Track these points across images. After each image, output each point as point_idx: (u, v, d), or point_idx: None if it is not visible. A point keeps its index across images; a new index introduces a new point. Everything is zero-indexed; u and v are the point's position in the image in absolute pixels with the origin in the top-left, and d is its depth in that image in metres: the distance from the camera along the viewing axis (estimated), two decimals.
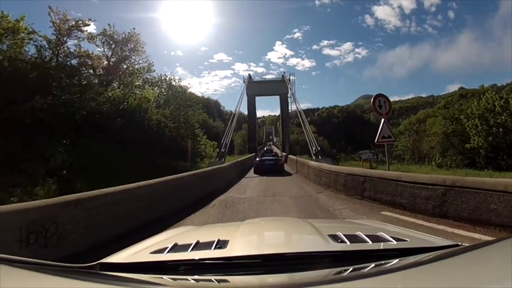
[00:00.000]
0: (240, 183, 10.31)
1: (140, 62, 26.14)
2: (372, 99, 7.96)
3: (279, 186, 9.55)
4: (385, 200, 5.90)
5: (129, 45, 25.53)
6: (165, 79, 26.16)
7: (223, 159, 13.50)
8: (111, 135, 13.22)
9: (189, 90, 27.26)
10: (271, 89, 33.40)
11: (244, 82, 31.74)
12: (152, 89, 24.12)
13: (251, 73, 35.11)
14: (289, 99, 32.81)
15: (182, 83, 27.21)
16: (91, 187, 4.28)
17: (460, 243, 0.93)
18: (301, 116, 19.42)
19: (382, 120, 7.73)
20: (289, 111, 32.66)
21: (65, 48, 14.67)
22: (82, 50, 16.35)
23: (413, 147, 23.18)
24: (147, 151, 14.96)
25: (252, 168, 14.41)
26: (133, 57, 26.10)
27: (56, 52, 13.86)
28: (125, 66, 25.48)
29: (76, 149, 10.12)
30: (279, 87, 32.97)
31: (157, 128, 15.95)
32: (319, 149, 14.13)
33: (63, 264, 0.80)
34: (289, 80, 32.03)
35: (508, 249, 0.73)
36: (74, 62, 15.10)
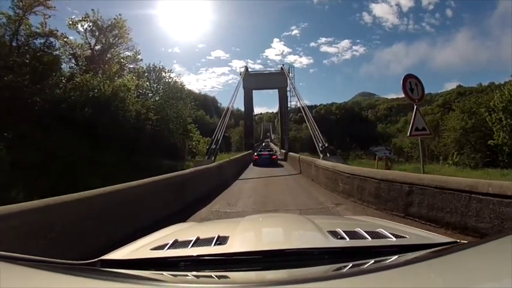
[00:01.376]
0: (232, 188, 8.09)
1: (127, 52, 23.83)
2: (401, 81, 6.19)
3: (282, 192, 7.32)
4: (448, 222, 3.78)
5: (114, 31, 23.16)
6: (154, 68, 23.73)
7: (213, 158, 11.25)
8: (79, 128, 10.93)
9: (181, 81, 24.74)
10: (269, 82, 31.02)
11: (240, 74, 29.34)
12: (138, 80, 21.75)
13: (248, 69, 32.45)
14: (288, 93, 30.55)
15: (179, 80, 24.83)
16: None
17: (459, 241, 0.92)
18: (303, 109, 17.00)
19: (415, 107, 6.05)
20: (289, 106, 30.41)
21: (27, 27, 12.28)
22: (48, 29, 13.82)
23: (424, 144, 20.97)
24: (125, 148, 12.67)
25: (248, 168, 13.30)
26: (119, 46, 23.82)
27: (15, 30, 11.50)
28: (109, 56, 23.14)
29: (22, 144, 7.79)
30: (277, 80, 30.63)
31: (137, 121, 13.59)
32: (326, 145, 11.88)
33: (64, 261, 0.78)
34: (289, 72, 29.71)
35: (507, 246, 0.71)
36: (39, 42, 12.74)
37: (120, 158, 10.86)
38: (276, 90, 31.99)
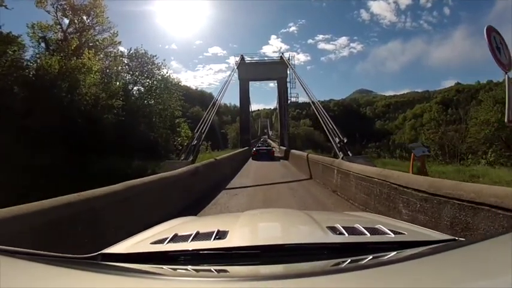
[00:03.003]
0: (211, 208, 4.92)
1: (105, 34, 20.35)
2: (485, 34, 4.26)
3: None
4: None
5: (92, 13, 19.70)
6: (135, 54, 20.27)
7: (191, 158, 8.00)
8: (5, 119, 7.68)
9: (170, 73, 21.27)
10: (267, 73, 27.57)
11: (236, 63, 25.92)
12: (116, 66, 18.34)
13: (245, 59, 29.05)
14: (288, 84, 27.20)
15: (165, 68, 21.29)
16: None
17: (456, 238, 0.91)
18: (309, 96, 13.60)
19: (506, 78, 4.18)
20: (289, 98, 27.05)
21: None
22: None
23: (446, 141, 17.95)
24: (79, 145, 9.40)
25: (243, 169, 11.42)
26: (96, 28, 20.34)
27: None
28: (84, 40, 19.68)
29: None
30: (276, 70, 27.25)
31: (93, 110, 10.27)
32: (345, 141, 8.67)
33: (64, 255, 0.78)
34: (289, 60, 26.34)
35: (505, 245, 0.70)
36: None
37: (58, 159, 7.65)
38: (275, 88, 28.74)
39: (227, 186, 7.40)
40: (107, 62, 19.01)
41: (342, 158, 7.76)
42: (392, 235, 0.88)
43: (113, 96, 11.83)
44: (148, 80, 19.80)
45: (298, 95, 26.75)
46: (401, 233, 0.92)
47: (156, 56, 20.81)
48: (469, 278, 0.52)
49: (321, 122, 10.09)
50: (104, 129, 10.40)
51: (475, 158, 15.99)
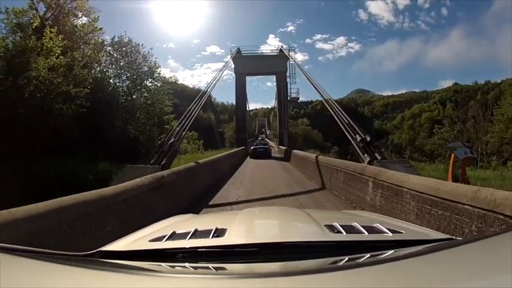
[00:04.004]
0: None
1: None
2: None
3: None
4: None
5: None
6: (119, 42, 17.96)
7: (163, 161, 5.77)
8: None
9: (156, 61, 18.97)
10: (265, 67, 25.28)
11: (231, 54, 23.67)
12: (96, 53, 16.08)
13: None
14: (288, 79, 25.01)
15: (153, 58, 18.93)
16: None
17: (454, 237, 0.90)
18: (321, 93, 11.04)
19: None
20: (289, 94, 24.82)
21: None
22: None
23: (470, 138, 15.82)
24: (27, 142, 7.17)
25: (237, 173, 9.85)
26: (76, 14, 18.02)
27: None
28: (61, 27, 17.36)
29: None
30: (275, 64, 25.04)
31: (46, 98, 7.98)
32: (368, 139, 6.51)
33: (62, 252, 0.78)
34: (289, 52, 24.17)
35: (501, 244, 0.69)
36: None
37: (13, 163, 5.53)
38: (273, 87, 26.54)
39: (211, 202, 5.23)
40: (87, 51, 16.76)
41: (370, 163, 5.63)
42: (390, 234, 0.87)
43: (79, 84, 9.58)
44: (132, 71, 17.54)
45: (298, 91, 24.57)
46: (399, 232, 0.91)
47: (143, 44, 18.55)
48: (466, 277, 0.51)
49: (336, 118, 7.87)
50: (60, 123, 8.16)
51: (499, 159, 13.97)
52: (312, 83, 11.57)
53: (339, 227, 0.91)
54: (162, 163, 5.76)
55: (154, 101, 18.15)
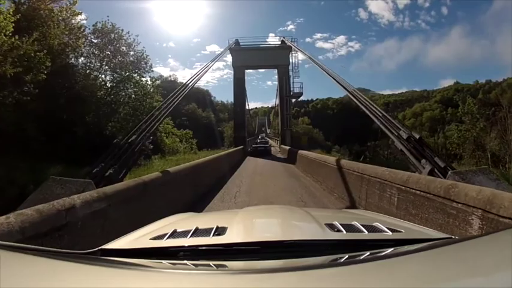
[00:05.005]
0: None
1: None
2: None
3: None
4: None
5: None
6: (101, 29, 15.76)
7: (108, 172, 3.64)
8: None
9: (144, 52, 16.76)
10: (265, 59, 23.03)
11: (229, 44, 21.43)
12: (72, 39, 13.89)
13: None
14: (290, 73, 22.80)
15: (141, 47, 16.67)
16: None
17: (453, 236, 0.89)
18: (341, 83, 8.38)
19: None
20: (291, 89, 22.61)
21: None
22: None
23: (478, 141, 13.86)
24: None
25: (225, 188, 7.32)
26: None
27: None
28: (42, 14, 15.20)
29: None
30: (276, 56, 22.84)
31: None
32: (417, 136, 4.38)
33: (64, 250, 0.78)
34: (292, 42, 21.92)
35: (500, 242, 0.69)
36: None
37: None
38: (273, 87, 24.30)
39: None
40: (66, 38, 14.58)
41: (432, 173, 3.50)
42: (390, 233, 0.87)
43: (31, 68, 7.44)
44: (115, 62, 15.37)
45: (302, 85, 22.37)
46: (399, 231, 0.90)
47: (129, 33, 16.32)
48: (464, 275, 0.51)
49: (368, 112, 5.67)
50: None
51: None
52: (330, 75, 9.36)
53: (339, 225, 0.90)
54: (108, 174, 3.60)
55: (141, 95, 16.02)
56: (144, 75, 16.16)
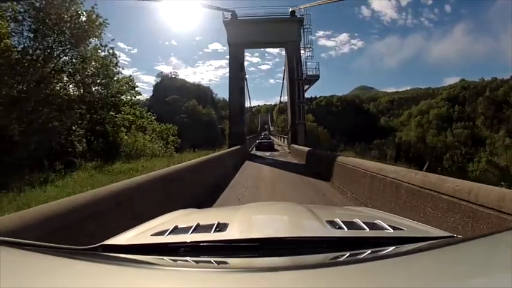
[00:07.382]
0: None
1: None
2: None
3: None
4: None
5: None
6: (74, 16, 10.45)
7: None
8: None
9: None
10: (270, 35, 17.49)
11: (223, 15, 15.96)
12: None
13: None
14: (302, 51, 17.31)
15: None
16: None
17: (455, 235, 0.85)
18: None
19: None
20: (304, 72, 17.15)
21: None
22: None
23: None
24: None
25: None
26: None
27: None
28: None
29: None
30: (284, 31, 17.36)
31: None
32: None
33: (65, 246, 0.75)
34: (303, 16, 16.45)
35: (502, 242, 0.67)
36: None
37: None
38: (275, 85, 18.79)
39: None
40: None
41: None
42: (391, 230, 0.85)
43: None
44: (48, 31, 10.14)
45: (318, 66, 16.88)
46: (400, 229, 0.88)
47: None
48: (466, 274, 0.50)
49: None
50: None
51: None
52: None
53: (341, 222, 0.88)
54: None
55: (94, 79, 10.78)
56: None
